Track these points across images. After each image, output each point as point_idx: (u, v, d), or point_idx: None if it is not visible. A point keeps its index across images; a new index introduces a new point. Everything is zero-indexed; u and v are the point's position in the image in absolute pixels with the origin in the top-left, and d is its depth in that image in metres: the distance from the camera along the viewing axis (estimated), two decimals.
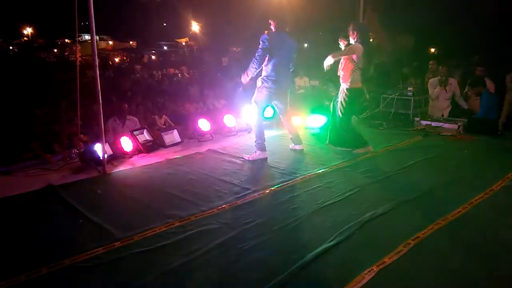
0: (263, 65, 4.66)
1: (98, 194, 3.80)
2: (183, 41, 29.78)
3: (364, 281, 2.35)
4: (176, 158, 4.90)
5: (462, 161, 4.80)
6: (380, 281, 2.37)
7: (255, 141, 4.74)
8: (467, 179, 4.09)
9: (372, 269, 2.46)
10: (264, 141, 4.76)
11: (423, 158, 4.78)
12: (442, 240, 2.85)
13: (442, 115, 6.89)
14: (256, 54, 4.59)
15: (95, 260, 2.63)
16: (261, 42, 4.57)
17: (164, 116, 7.63)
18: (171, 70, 16.65)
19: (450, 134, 5.98)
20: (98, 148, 4.38)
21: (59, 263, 2.59)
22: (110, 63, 21.22)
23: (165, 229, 3.04)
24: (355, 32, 4.91)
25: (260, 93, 4.72)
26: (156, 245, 2.81)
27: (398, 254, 2.63)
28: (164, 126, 7.07)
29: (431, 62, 7.86)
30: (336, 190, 3.78)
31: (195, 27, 26.04)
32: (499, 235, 2.94)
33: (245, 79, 4.81)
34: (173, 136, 5.61)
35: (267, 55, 4.59)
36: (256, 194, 3.72)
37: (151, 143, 5.30)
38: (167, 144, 5.42)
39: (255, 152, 4.73)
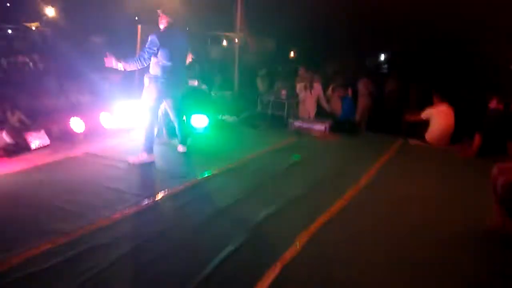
0: (153, 63, 4.42)
1: None
2: (33, 25, 26.08)
3: (271, 279, 2.49)
4: (47, 163, 4.33)
5: (333, 158, 5.40)
6: (286, 276, 2.53)
7: (143, 143, 4.49)
8: (341, 174, 4.62)
9: (275, 265, 2.60)
10: (153, 144, 4.56)
11: (301, 156, 5.22)
12: (331, 231, 3.17)
13: (309, 117, 7.64)
14: (143, 53, 4.30)
15: None
16: (149, 42, 4.29)
17: (16, 112, 6.56)
18: (21, 58, 14.45)
19: (318, 134, 6.70)
20: None
21: None
22: None
23: (50, 246, 2.67)
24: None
25: (150, 93, 4.47)
26: (42, 267, 2.45)
27: (296, 248, 2.84)
28: (18, 124, 6.12)
29: (300, 68, 8.57)
30: (228, 192, 3.84)
31: (49, 11, 23.08)
32: (380, 222, 3.40)
33: (114, 65, 4.31)
34: (40, 137, 4.93)
35: (156, 55, 4.35)
36: (147, 201, 3.54)
37: (12, 146, 4.56)
38: (32, 147, 4.73)
39: (141, 154, 4.48)
